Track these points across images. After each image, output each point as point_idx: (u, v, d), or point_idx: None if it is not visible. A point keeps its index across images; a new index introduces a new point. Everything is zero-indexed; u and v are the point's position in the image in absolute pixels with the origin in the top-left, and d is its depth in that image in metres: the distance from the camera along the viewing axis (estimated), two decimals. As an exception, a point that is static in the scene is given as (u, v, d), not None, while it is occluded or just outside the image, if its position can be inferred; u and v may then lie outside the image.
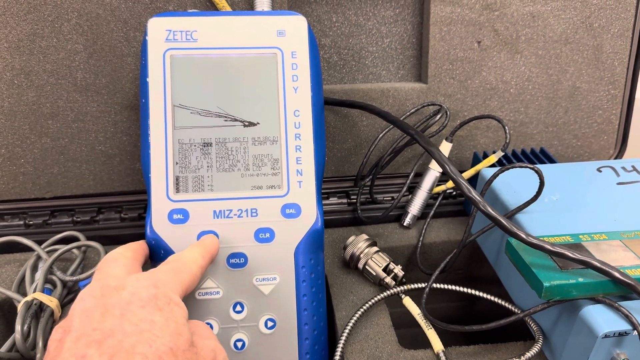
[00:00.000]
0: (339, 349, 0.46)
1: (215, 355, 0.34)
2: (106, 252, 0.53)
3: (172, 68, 0.45)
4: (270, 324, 0.44)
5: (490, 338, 0.49)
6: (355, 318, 0.48)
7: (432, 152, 0.46)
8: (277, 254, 0.45)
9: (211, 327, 0.43)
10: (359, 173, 0.65)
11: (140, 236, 0.44)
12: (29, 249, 0.55)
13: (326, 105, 0.60)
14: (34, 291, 0.49)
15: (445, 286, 0.50)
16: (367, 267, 0.53)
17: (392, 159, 0.64)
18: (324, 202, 0.66)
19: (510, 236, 0.41)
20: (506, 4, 0.62)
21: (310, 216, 0.45)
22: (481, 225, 0.53)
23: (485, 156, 0.62)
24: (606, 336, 0.37)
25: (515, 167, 0.48)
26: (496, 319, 0.44)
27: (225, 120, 0.45)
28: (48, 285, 0.51)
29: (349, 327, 0.48)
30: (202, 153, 0.44)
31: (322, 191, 0.65)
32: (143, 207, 0.64)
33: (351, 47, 0.64)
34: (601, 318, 0.38)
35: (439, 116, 0.62)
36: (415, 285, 0.51)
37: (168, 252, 0.43)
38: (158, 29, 0.45)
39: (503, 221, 0.40)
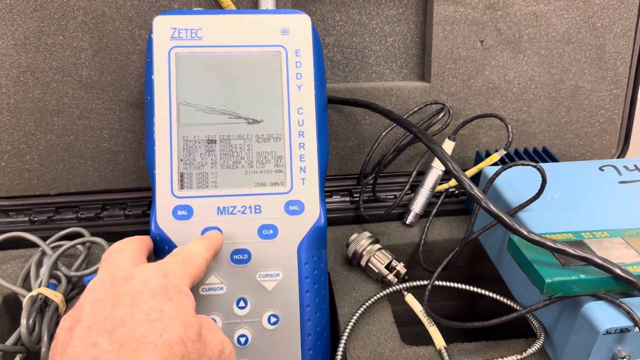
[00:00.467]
0: (342, 345, 0.46)
1: (224, 347, 0.34)
2: (111, 248, 0.54)
3: (177, 66, 0.45)
4: (273, 319, 0.45)
5: (492, 335, 0.49)
6: (357, 315, 0.49)
7: (435, 150, 0.46)
8: (280, 251, 0.45)
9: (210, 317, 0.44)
10: (362, 171, 0.65)
11: (144, 233, 0.44)
12: (34, 245, 0.55)
13: (329, 104, 0.60)
14: (39, 286, 0.49)
15: (448, 284, 0.51)
16: (369, 264, 0.54)
17: (394, 157, 0.65)
18: (327, 200, 0.66)
19: (512, 233, 0.41)
20: (509, 3, 0.62)
21: (313, 213, 0.45)
22: (483, 223, 0.53)
23: (488, 155, 0.62)
24: (607, 332, 0.37)
25: (518, 165, 0.48)
26: (498, 316, 0.44)
27: (230, 118, 0.45)
28: (53, 281, 0.52)
29: (351, 324, 0.48)
30: (206, 150, 0.45)
31: (325, 189, 0.65)
32: (147, 204, 0.64)
33: (354, 46, 0.65)
34: (603, 314, 0.38)
35: (441, 115, 0.62)
36: (418, 283, 0.51)
37: (172, 247, 0.43)
38: (163, 27, 0.45)
39: (505, 218, 0.40)
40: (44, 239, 0.55)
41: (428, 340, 0.47)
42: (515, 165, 0.48)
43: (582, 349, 0.39)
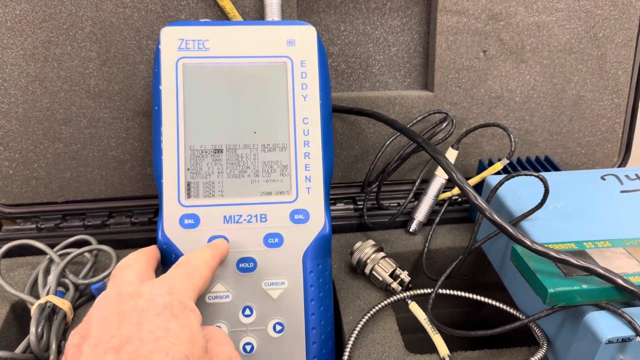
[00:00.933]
0: (346, 353, 0.47)
1: None
2: (118, 256, 0.54)
3: (185, 76, 0.46)
4: (278, 327, 0.45)
5: (496, 343, 0.49)
6: (362, 323, 0.49)
7: (439, 160, 0.47)
8: (285, 259, 0.45)
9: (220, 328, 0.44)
10: (366, 179, 0.66)
11: (151, 240, 0.45)
12: (41, 252, 0.56)
13: (334, 113, 0.60)
14: (47, 294, 0.50)
15: (451, 292, 0.51)
16: (373, 272, 0.54)
17: (398, 165, 0.65)
18: (331, 207, 0.67)
19: (515, 243, 0.41)
20: (512, 14, 0.63)
21: (318, 222, 0.46)
22: (486, 232, 0.54)
23: (491, 164, 0.63)
24: (609, 342, 0.37)
25: (521, 175, 0.49)
26: (501, 325, 0.45)
27: (236, 127, 0.46)
28: (60, 288, 0.52)
29: (356, 332, 0.48)
30: (213, 159, 0.45)
31: (330, 197, 0.66)
32: (153, 211, 0.65)
33: (359, 56, 0.65)
34: (605, 324, 0.38)
35: (445, 124, 0.63)
36: (422, 291, 0.52)
37: (179, 256, 0.44)
38: (171, 38, 0.46)
39: (509, 228, 0.41)
40: (51, 246, 0.56)
41: (432, 348, 0.48)
42: (518, 175, 0.49)
43: (584, 358, 0.39)
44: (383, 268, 0.54)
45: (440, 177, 0.63)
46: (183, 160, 0.45)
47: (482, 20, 0.63)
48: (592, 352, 0.38)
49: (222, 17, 0.58)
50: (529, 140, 0.70)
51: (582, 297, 0.39)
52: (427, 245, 0.61)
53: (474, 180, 0.61)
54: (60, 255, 0.55)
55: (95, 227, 0.63)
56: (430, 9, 0.64)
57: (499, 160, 0.61)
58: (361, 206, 0.67)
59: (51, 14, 0.55)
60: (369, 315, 0.50)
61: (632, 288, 0.37)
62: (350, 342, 0.47)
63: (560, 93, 0.68)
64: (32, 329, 0.46)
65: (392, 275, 0.53)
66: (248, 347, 0.45)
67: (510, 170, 0.64)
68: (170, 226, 0.44)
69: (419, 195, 0.64)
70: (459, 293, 0.51)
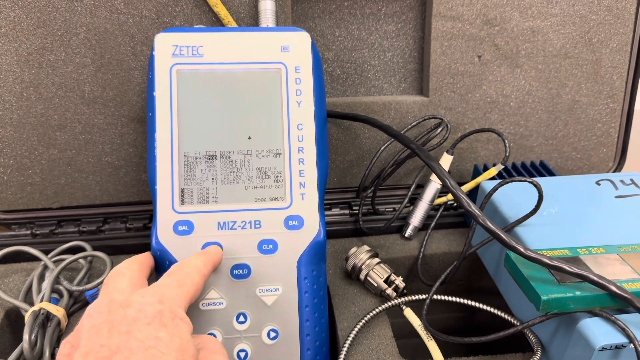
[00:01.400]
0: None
1: None
2: (112, 262, 0.54)
3: (179, 82, 0.46)
4: (272, 334, 0.45)
5: (490, 349, 0.50)
6: (356, 329, 0.49)
7: (433, 167, 0.47)
8: (280, 266, 0.45)
9: (214, 337, 0.44)
10: (361, 184, 0.66)
11: (146, 246, 0.45)
12: (35, 259, 0.56)
13: (329, 118, 0.60)
14: (41, 300, 0.50)
15: (446, 297, 0.51)
16: (368, 278, 0.54)
17: (393, 170, 0.65)
18: (326, 212, 0.67)
19: (509, 250, 0.41)
20: (506, 19, 0.63)
21: (312, 228, 0.46)
22: (481, 238, 0.54)
23: (486, 169, 0.63)
24: (603, 349, 0.37)
25: (515, 180, 0.49)
26: (496, 330, 0.45)
27: (230, 134, 0.46)
28: (54, 295, 0.52)
29: (350, 338, 0.48)
30: (207, 165, 0.45)
31: (325, 202, 0.66)
32: (148, 217, 0.65)
33: (354, 61, 0.66)
34: (598, 331, 0.38)
35: (440, 129, 0.63)
36: (416, 297, 0.52)
37: (173, 262, 0.43)
38: (165, 44, 0.46)
39: (502, 235, 0.41)
40: (46, 252, 0.56)
41: (426, 354, 0.48)
42: (512, 181, 0.49)
43: (578, 365, 0.40)
44: (378, 274, 0.54)
45: (436, 182, 0.63)
46: (177, 166, 0.45)
47: (477, 26, 0.63)
48: (586, 359, 0.38)
49: (217, 23, 0.58)
50: (524, 145, 0.70)
51: (576, 304, 0.39)
52: (422, 250, 0.61)
53: (468, 186, 0.61)
54: (54, 262, 0.55)
55: (90, 232, 0.63)
56: (425, 15, 0.64)
57: (494, 165, 0.61)
58: (357, 211, 0.67)
59: (45, 21, 0.55)
60: (363, 321, 0.50)
61: (626, 295, 0.37)
62: (345, 349, 0.47)
63: (555, 98, 0.68)
64: (26, 336, 0.46)
65: (387, 281, 0.53)
66: (242, 354, 0.45)
67: (506, 176, 0.64)
68: (164, 233, 0.44)
69: (414, 200, 0.64)
70: (454, 299, 0.51)
